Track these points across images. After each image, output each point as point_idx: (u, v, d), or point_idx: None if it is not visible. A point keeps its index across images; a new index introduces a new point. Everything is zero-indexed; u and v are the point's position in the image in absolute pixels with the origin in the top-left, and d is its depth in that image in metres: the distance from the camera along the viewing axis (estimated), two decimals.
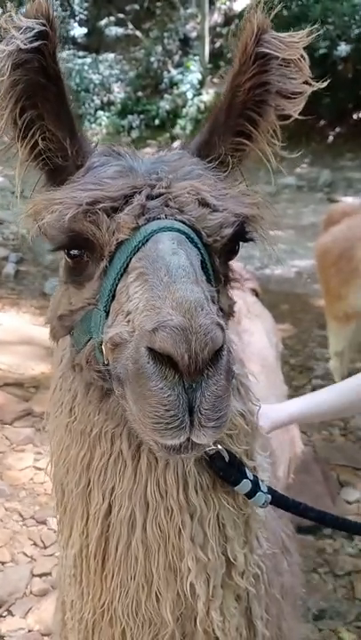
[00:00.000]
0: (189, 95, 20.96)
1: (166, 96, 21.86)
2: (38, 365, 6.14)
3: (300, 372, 6.54)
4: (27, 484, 4.40)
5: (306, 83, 1.32)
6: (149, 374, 0.98)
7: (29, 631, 3.24)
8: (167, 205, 1.19)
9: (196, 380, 0.97)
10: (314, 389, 6.00)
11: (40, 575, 3.60)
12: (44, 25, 1.25)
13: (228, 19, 22.82)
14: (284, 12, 19.45)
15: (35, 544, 3.86)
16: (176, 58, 22.94)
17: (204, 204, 1.20)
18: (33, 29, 1.24)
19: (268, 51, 1.26)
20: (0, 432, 4.96)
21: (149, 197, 1.20)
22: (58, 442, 1.45)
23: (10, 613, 3.34)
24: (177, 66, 22.35)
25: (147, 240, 1.12)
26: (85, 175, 1.32)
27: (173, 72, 22.04)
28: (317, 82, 1.33)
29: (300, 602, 2.09)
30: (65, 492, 1.44)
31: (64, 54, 24.39)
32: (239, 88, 1.30)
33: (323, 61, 16.91)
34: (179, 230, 1.14)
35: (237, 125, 1.35)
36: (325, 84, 1.32)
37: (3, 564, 3.67)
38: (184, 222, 1.17)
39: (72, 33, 26.08)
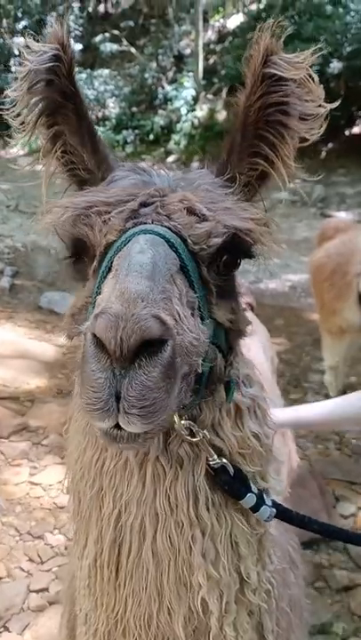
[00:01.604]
0: (183, 111, 21.17)
1: (161, 112, 22.05)
2: (33, 379, 6.14)
3: (295, 385, 6.57)
4: (22, 498, 4.38)
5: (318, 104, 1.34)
6: (88, 357, 1.02)
7: None
8: (157, 212, 1.22)
9: (125, 367, 0.99)
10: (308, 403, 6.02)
11: (37, 591, 3.58)
12: (57, 49, 1.41)
13: (222, 36, 23.15)
14: (277, 30, 19.69)
15: (31, 559, 3.83)
16: (170, 74, 23.19)
17: (193, 212, 1.22)
18: (46, 53, 1.40)
19: (274, 71, 1.29)
20: None
21: (143, 204, 1.24)
22: (76, 445, 1.47)
23: (6, 629, 3.31)
24: (171, 82, 22.59)
25: (128, 241, 1.16)
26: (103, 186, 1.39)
27: (168, 88, 22.26)
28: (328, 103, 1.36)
29: (306, 613, 2.10)
30: (80, 499, 1.45)
31: None
32: (250, 108, 1.33)
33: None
34: (158, 234, 1.17)
35: (253, 146, 1.36)
36: (334, 104, 1.34)
37: None
38: (169, 228, 1.20)
39: None
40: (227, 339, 1.34)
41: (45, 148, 1.51)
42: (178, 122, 21.21)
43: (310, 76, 1.31)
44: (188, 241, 1.20)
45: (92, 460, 1.41)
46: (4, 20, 26.36)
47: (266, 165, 1.36)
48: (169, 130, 21.54)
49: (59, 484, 4.55)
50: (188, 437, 1.31)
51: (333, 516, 4.30)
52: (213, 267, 1.25)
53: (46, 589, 3.60)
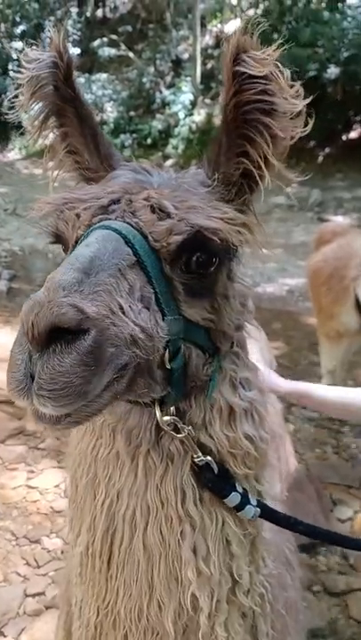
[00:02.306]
0: (181, 115, 21.23)
1: (158, 116, 22.12)
2: None
3: None
4: (19, 502, 4.37)
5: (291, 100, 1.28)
6: (15, 339, 1.08)
7: None
8: (123, 209, 1.25)
9: (40, 351, 1.02)
10: (305, 408, 6.03)
11: (33, 595, 3.56)
12: (54, 57, 1.44)
13: (220, 40, 23.20)
14: (274, 36, 19.84)
15: (28, 564, 3.82)
16: (168, 79, 23.27)
17: (156, 210, 1.24)
18: (44, 60, 1.44)
19: (243, 69, 1.24)
20: None
21: (113, 202, 1.27)
22: (76, 432, 1.52)
23: (2, 634, 3.30)
24: (169, 86, 22.66)
25: (87, 235, 1.21)
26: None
27: (165, 92, 22.33)
28: (308, 103, 1.31)
29: (302, 616, 2.09)
30: (77, 486, 1.49)
31: None
32: (227, 107, 1.30)
33: (313, 84, 17.20)
34: (115, 229, 1.19)
35: (237, 146, 1.33)
36: (307, 100, 1.29)
37: None
38: (131, 225, 1.22)
39: None
40: (209, 338, 1.35)
41: (53, 149, 1.58)
42: (176, 126, 21.27)
43: (281, 73, 1.26)
44: (150, 238, 1.22)
45: (88, 446, 1.45)
46: (2, 25, 26.45)
47: (248, 164, 1.32)
48: (167, 134, 21.59)
49: (55, 488, 4.54)
50: (173, 433, 1.33)
51: (331, 520, 4.30)
52: (178, 264, 1.25)
53: (43, 594, 3.59)
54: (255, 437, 1.41)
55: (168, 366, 1.24)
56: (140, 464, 1.36)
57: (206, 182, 1.38)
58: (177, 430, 1.34)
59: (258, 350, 2.92)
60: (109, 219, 1.24)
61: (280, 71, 1.24)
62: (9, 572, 3.74)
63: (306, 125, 1.29)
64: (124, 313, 1.12)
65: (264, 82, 1.23)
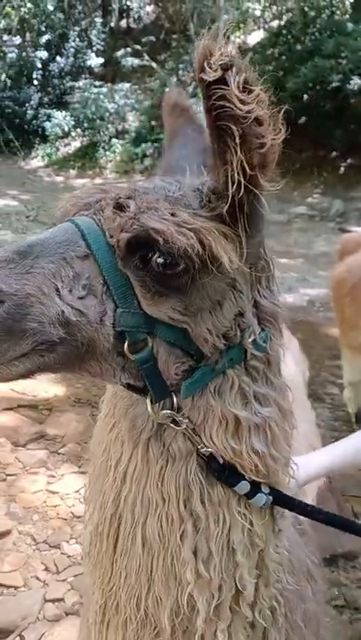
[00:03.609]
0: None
1: None
2: (52, 388, 6.16)
3: (313, 400, 6.51)
4: (40, 507, 4.38)
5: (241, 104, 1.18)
6: None
7: None
8: (97, 207, 1.34)
9: None
10: (327, 419, 5.98)
11: (53, 600, 3.56)
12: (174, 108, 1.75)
13: (242, 52, 23.31)
14: (298, 47, 19.88)
15: (47, 569, 3.82)
16: (190, 89, 23.38)
17: (118, 208, 1.30)
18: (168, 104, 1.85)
19: (204, 76, 1.17)
20: (13, 454, 4.95)
21: (97, 200, 1.35)
22: (102, 413, 1.59)
23: (22, 638, 3.30)
24: (191, 96, 22.71)
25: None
26: None
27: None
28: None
29: (324, 631, 2.05)
30: (94, 465, 1.55)
31: (80, 83, 25.01)
32: (205, 114, 1.25)
33: (335, 95, 17.21)
34: (75, 223, 1.30)
35: (219, 153, 1.26)
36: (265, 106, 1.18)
37: (15, 588, 3.63)
38: (94, 220, 1.31)
39: (89, 63, 26.70)
40: (191, 340, 1.34)
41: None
42: None
43: (238, 75, 1.15)
44: (107, 233, 1.29)
45: (106, 428, 1.52)
46: (28, 34, 26.82)
47: (230, 172, 1.24)
48: None
49: (76, 494, 4.55)
50: (172, 425, 1.37)
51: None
52: (131, 261, 1.29)
53: (62, 600, 3.59)
54: (264, 454, 1.38)
55: (131, 357, 1.30)
56: (140, 451, 1.40)
57: (201, 188, 1.36)
58: (177, 424, 1.37)
59: (292, 360, 2.91)
60: (84, 215, 1.34)
61: (237, 73, 1.14)
62: (29, 577, 3.74)
63: (281, 132, 1.21)
64: (59, 295, 1.22)
65: (223, 87, 1.15)
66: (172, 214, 1.26)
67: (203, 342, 1.34)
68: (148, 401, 1.37)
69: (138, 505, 1.40)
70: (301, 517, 1.85)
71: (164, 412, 1.36)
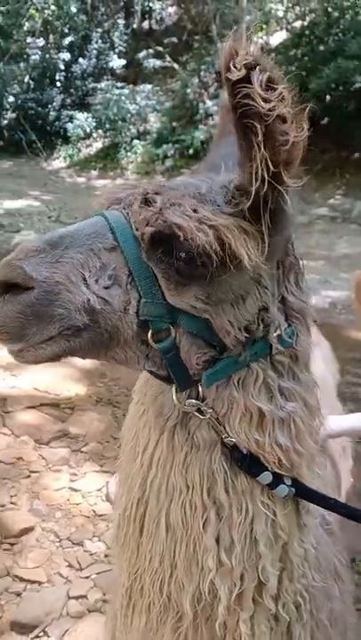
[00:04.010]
0: (211, 147, 21.25)
1: (201, 126, 22.22)
2: (74, 386, 6.21)
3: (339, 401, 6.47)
4: (62, 504, 4.42)
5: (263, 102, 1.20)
6: None
7: None
8: (127, 201, 1.40)
9: (0, 299, 1.29)
10: None
11: (76, 597, 3.59)
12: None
13: (265, 52, 23.22)
14: (321, 48, 19.75)
15: (70, 565, 3.86)
16: (212, 90, 23.37)
17: (145, 203, 1.35)
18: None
19: (229, 75, 1.20)
20: (36, 451, 5.01)
21: (128, 196, 1.41)
22: (133, 402, 1.65)
23: (46, 634, 3.33)
24: (212, 97, 22.74)
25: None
26: None
27: (209, 103, 22.40)
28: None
29: (352, 633, 2.04)
30: (124, 450, 1.62)
31: (102, 85, 25.14)
32: (230, 112, 1.28)
33: (359, 95, 17.06)
34: (104, 216, 1.38)
35: (244, 150, 1.28)
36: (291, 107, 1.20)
37: (39, 584, 3.68)
38: (122, 214, 1.37)
39: (111, 64, 26.82)
40: (211, 331, 1.38)
41: None
42: None
43: (261, 73, 1.18)
44: (133, 226, 1.35)
45: (136, 414, 1.59)
46: (51, 36, 27.03)
47: (254, 169, 1.26)
48: (208, 145, 21.59)
49: (98, 492, 4.58)
50: (196, 414, 1.42)
51: None
52: (155, 253, 1.34)
53: (85, 597, 3.62)
54: (288, 448, 1.41)
55: (154, 346, 1.36)
56: (166, 438, 1.46)
57: (228, 187, 1.38)
58: (201, 413, 1.42)
59: (322, 361, 2.89)
60: (115, 209, 1.40)
61: (261, 72, 1.17)
62: (52, 573, 3.78)
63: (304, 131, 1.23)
64: (86, 284, 1.30)
65: (247, 85, 1.18)
66: (195, 210, 1.30)
67: (225, 334, 1.38)
68: (173, 390, 1.43)
69: (163, 490, 1.45)
70: (329, 517, 1.85)
71: (189, 401, 1.41)
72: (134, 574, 1.54)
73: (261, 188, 1.25)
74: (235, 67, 1.17)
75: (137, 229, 1.34)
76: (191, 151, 21.72)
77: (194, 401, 1.42)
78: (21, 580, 3.69)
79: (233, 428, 1.39)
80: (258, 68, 1.16)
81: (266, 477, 1.41)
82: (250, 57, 1.16)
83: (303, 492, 1.48)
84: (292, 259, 1.49)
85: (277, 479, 1.42)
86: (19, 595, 3.58)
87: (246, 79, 1.17)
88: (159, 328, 1.36)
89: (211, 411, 1.40)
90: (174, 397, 1.42)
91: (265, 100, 1.16)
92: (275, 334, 1.41)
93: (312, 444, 1.46)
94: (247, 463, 1.40)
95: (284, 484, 1.43)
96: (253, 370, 1.40)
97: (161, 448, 1.47)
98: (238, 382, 1.40)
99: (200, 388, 1.42)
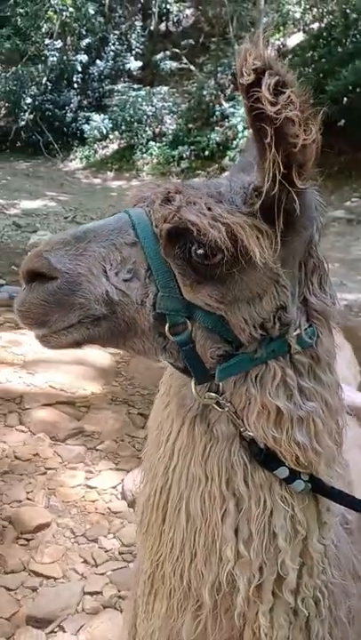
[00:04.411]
0: (240, 128, 21.27)
1: (217, 128, 22.24)
2: (89, 385, 6.25)
3: None
4: (78, 501, 4.45)
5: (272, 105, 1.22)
6: None
7: None
8: (151, 199, 1.45)
9: (26, 285, 1.39)
10: None
11: (91, 593, 3.61)
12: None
13: (282, 54, 23.21)
14: (338, 49, 19.68)
15: (86, 562, 3.88)
16: (228, 91, 23.38)
17: (165, 201, 1.40)
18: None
19: (241, 80, 1.23)
20: (52, 449, 5.04)
21: (154, 194, 1.46)
22: (159, 394, 1.70)
23: (61, 629, 3.36)
24: (229, 99, 22.75)
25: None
26: None
27: (225, 105, 22.43)
28: None
29: None
30: (150, 438, 1.66)
31: (119, 86, 25.26)
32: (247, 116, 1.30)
33: None
34: (128, 213, 1.44)
35: (259, 151, 1.32)
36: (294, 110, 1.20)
37: (55, 579, 3.70)
38: (145, 212, 1.43)
39: (128, 66, 26.94)
40: (226, 327, 1.41)
41: None
42: (234, 139, 21.32)
43: (271, 77, 1.20)
44: (153, 223, 1.40)
45: (161, 405, 1.64)
46: (69, 38, 27.20)
47: (267, 169, 1.29)
48: (224, 146, 21.66)
49: (113, 489, 4.61)
50: (215, 406, 1.45)
51: None
52: (173, 250, 1.39)
53: (100, 593, 3.64)
54: (306, 447, 1.42)
55: (171, 338, 1.41)
56: (187, 429, 1.50)
57: (247, 188, 1.40)
58: (220, 407, 1.45)
59: (344, 363, 2.89)
60: (140, 206, 1.47)
61: (270, 76, 1.20)
62: (67, 569, 3.81)
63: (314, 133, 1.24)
64: (106, 277, 1.37)
65: (257, 90, 1.21)
66: (209, 208, 1.34)
67: (240, 331, 1.41)
68: (192, 383, 1.47)
69: (183, 480, 1.49)
70: (349, 516, 1.85)
71: (209, 394, 1.45)
72: (156, 561, 1.57)
73: (272, 189, 1.29)
74: (246, 72, 1.21)
75: (156, 226, 1.40)
76: (207, 153, 21.76)
77: (213, 394, 1.45)
78: (37, 575, 3.72)
79: (250, 423, 1.42)
80: (267, 72, 1.19)
81: (282, 472, 1.43)
82: (259, 62, 1.19)
83: (320, 489, 1.50)
84: (315, 260, 1.50)
85: (294, 474, 1.44)
86: (35, 590, 3.61)
87: (257, 83, 1.20)
88: (176, 322, 1.41)
89: (229, 404, 1.44)
90: (193, 390, 1.46)
91: (272, 104, 1.19)
92: (294, 334, 1.43)
93: (331, 443, 1.47)
94: (263, 457, 1.42)
95: (301, 479, 1.45)
96: (271, 368, 1.42)
97: (182, 438, 1.51)
98: (256, 379, 1.42)
99: (220, 383, 1.45)
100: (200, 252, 1.36)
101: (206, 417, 1.48)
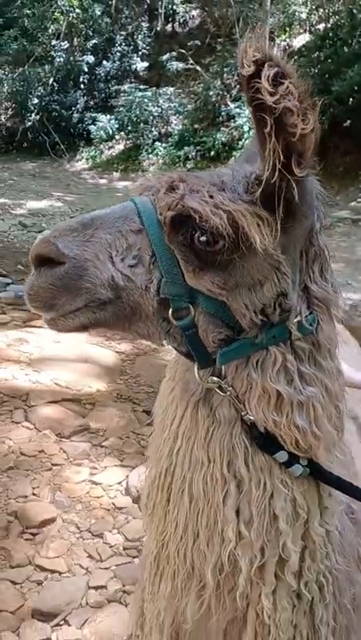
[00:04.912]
0: (246, 128, 21.29)
1: (223, 129, 22.27)
2: (94, 383, 6.28)
3: None
4: (83, 497, 4.47)
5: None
6: None
7: None
8: (157, 188, 1.49)
9: (35, 270, 1.44)
10: None
11: (96, 588, 3.64)
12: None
13: (288, 55, 23.20)
14: (344, 50, 19.68)
15: (90, 556, 3.90)
16: (234, 92, 23.41)
17: (169, 189, 1.44)
18: None
19: (242, 72, 1.27)
20: (58, 445, 5.07)
21: (159, 183, 1.50)
22: (165, 379, 1.73)
23: (66, 623, 3.38)
24: (235, 99, 22.78)
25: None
26: None
27: (231, 105, 22.47)
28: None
29: None
30: (155, 422, 1.70)
31: (126, 87, 25.32)
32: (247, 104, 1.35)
33: None
34: (133, 201, 1.49)
35: (260, 140, 1.34)
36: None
37: (60, 573, 3.73)
38: (150, 200, 1.47)
39: (134, 67, 27.02)
40: (228, 312, 1.44)
41: None
42: (240, 139, 21.36)
43: (270, 68, 1.23)
44: (158, 211, 1.44)
45: (167, 389, 1.68)
46: (75, 39, 27.32)
47: (267, 158, 1.32)
48: (230, 147, 21.70)
49: (118, 485, 4.63)
50: (217, 390, 1.49)
51: None
52: (176, 236, 1.43)
53: (105, 587, 3.66)
54: (306, 431, 1.44)
55: (174, 322, 1.45)
56: (190, 412, 1.54)
57: (249, 177, 1.44)
58: (223, 391, 1.48)
59: (352, 359, 2.91)
60: (146, 195, 1.50)
61: (270, 68, 1.23)
62: (72, 564, 3.83)
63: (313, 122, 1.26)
64: (112, 262, 1.42)
65: (257, 81, 1.24)
66: (211, 196, 1.38)
67: (241, 316, 1.44)
68: (195, 367, 1.50)
69: (187, 462, 1.53)
70: (354, 506, 1.87)
71: (211, 378, 1.49)
72: (162, 541, 1.61)
73: (272, 177, 1.32)
74: (246, 63, 1.24)
75: (161, 214, 1.44)
76: (213, 153, 21.79)
77: (215, 378, 1.49)
78: (42, 569, 3.74)
79: (251, 407, 1.45)
80: (267, 64, 1.23)
81: (282, 456, 1.46)
82: (259, 54, 1.23)
83: (318, 473, 1.52)
84: (316, 249, 1.52)
85: (293, 459, 1.47)
86: (40, 584, 3.64)
87: (257, 74, 1.23)
88: (179, 306, 1.45)
89: (231, 389, 1.47)
90: (196, 374, 1.50)
91: (271, 94, 1.22)
92: (295, 320, 1.46)
93: (330, 428, 1.50)
94: (263, 441, 1.45)
95: (300, 463, 1.47)
96: (272, 353, 1.45)
97: (185, 422, 1.54)
98: (257, 364, 1.45)
99: (222, 367, 1.48)
100: (203, 238, 1.39)
101: (209, 401, 1.51)
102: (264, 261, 1.41)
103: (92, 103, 27.14)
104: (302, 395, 1.44)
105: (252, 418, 1.45)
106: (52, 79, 26.55)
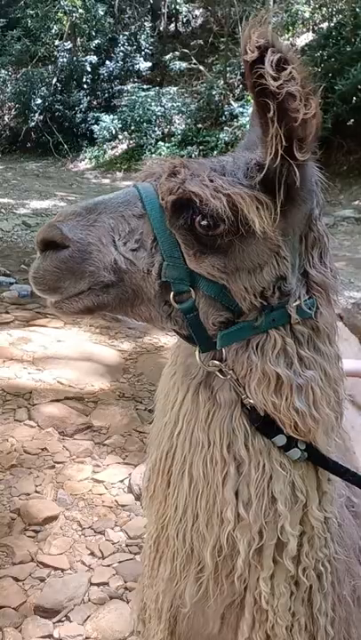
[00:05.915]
0: (249, 127, 21.27)
1: (226, 128, 22.27)
2: (97, 381, 6.29)
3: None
4: (85, 494, 4.49)
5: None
6: None
7: (87, 638, 3.28)
8: (158, 174, 1.52)
9: (40, 253, 1.48)
10: None
11: (98, 584, 3.65)
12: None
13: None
14: (348, 48, 19.64)
15: (92, 554, 3.92)
16: (237, 91, 23.41)
17: (171, 175, 1.46)
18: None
19: (245, 57, 1.28)
20: (61, 443, 5.09)
21: (161, 168, 1.53)
22: (167, 364, 1.76)
23: (68, 619, 3.40)
24: (238, 99, 22.79)
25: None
26: None
27: (234, 105, 22.47)
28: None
29: None
30: (156, 405, 1.73)
31: (129, 87, 25.35)
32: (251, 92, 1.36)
33: None
34: (136, 187, 1.52)
35: (262, 127, 1.36)
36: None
37: (62, 570, 3.74)
38: (152, 185, 1.50)
39: (137, 67, 27.04)
40: (228, 295, 1.46)
41: None
42: (243, 138, 21.26)
43: (273, 53, 1.24)
44: (160, 196, 1.46)
45: (168, 373, 1.71)
46: (78, 39, 27.36)
47: (268, 145, 1.34)
48: (233, 146, 21.64)
49: (120, 483, 4.65)
50: (218, 374, 1.51)
51: None
52: (177, 221, 1.45)
53: (107, 584, 3.67)
54: (305, 413, 1.46)
55: (176, 306, 1.47)
56: (191, 395, 1.56)
57: (249, 163, 1.46)
58: (223, 374, 1.50)
59: (353, 356, 2.92)
60: (148, 181, 1.54)
61: (273, 53, 1.25)
62: (74, 561, 3.85)
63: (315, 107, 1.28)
64: (115, 246, 1.45)
65: (261, 66, 1.26)
66: (211, 180, 1.40)
67: (241, 299, 1.46)
68: (196, 351, 1.52)
69: (187, 444, 1.55)
70: (356, 499, 1.88)
71: (212, 361, 1.51)
72: (161, 524, 1.62)
73: (273, 162, 1.34)
74: (250, 49, 1.26)
75: (162, 199, 1.46)
76: (216, 153, 21.75)
77: (216, 362, 1.51)
78: (45, 566, 3.76)
79: (251, 390, 1.46)
80: (270, 49, 1.25)
81: (280, 440, 1.47)
82: (263, 39, 1.25)
83: (316, 458, 1.53)
84: (315, 234, 1.53)
85: (291, 442, 1.48)
86: (42, 580, 3.65)
87: (261, 60, 1.25)
88: (180, 290, 1.47)
89: (231, 372, 1.49)
90: (197, 357, 1.52)
91: (274, 79, 1.24)
92: (294, 304, 1.47)
93: (328, 411, 1.51)
94: (262, 424, 1.47)
95: (298, 447, 1.49)
96: (272, 337, 1.47)
97: (187, 405, 1.56)
98: (257, 347, 1.47)
99: (223, 350, 1.50)
100: (203, 222, 1.41)
101: (210, 384, 1.53)
102: (264, 245, 1.44)
103: (95, 103, 27.18)
104: (301, 378, 1.46)
105: (251, 401, 1.46)
106: (55, 79, 26.60)
